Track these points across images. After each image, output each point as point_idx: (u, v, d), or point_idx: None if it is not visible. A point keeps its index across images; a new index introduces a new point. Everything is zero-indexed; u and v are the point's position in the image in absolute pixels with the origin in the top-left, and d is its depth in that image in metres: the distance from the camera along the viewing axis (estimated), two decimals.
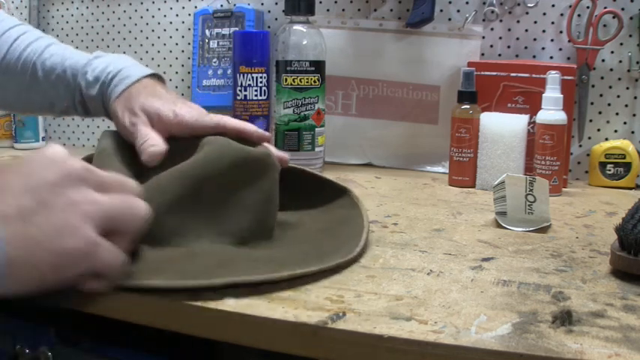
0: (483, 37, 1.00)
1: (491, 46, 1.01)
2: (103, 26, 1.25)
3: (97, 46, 1.25)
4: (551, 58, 0.98)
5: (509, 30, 1.00)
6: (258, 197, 0.57)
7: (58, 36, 1.27)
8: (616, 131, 0.95)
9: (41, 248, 0.39)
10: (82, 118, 0.76)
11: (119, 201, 0.44)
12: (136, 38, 1.23)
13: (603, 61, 0.95)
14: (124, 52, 1.23)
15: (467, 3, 1.01)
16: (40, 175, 0.41)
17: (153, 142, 0.60)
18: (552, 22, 0.97)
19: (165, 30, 1.20)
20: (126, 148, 0.64)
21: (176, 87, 1.20)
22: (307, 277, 0.49)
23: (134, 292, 0.45)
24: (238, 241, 0.56)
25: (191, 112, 0.63)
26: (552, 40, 0.97)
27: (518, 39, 0.99)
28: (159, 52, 1.21)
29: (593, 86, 0.95)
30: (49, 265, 0.40)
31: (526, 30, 0.99)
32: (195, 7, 1.16)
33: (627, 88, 0.94)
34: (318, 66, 0.94)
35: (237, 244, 0.55)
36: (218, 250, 0.53)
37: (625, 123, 0.95)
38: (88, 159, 0.63)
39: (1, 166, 0.43)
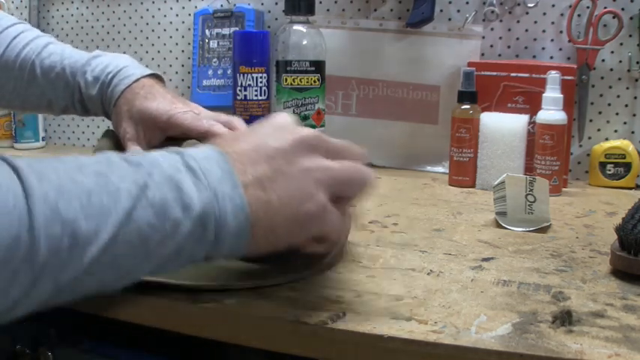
0: (483, 37, 1.00)
1: (492, 46, 1.01)
2: (103, 26, 1.25)
3: (97, 46, 1.25)
4: (551, 58, 0.98)
5: (509, 30, 1.00)
6: None
7: (58, 36, 1.27)
8: (616, 131, 0.95)
9: (279, 213, 0.41)
10: (82, 117, 0.77)
11: (348, 167, 0.45)
12: (136, 38, 1.23)
13: (603, 61, 0.95)
14: (124, 52, 1.23)
15: (467, 3, 1.01)
16: (274, 144, 0.43)
17: None
18: (552, 22, 0.97)
19: (165, 30, 1.20)
20: (122, 149, 0.64)
21: (176, 87, 1.20)
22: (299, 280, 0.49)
23: (135, 292, 0.45)
24: None
25: (185, 115, 0.64)
26: (552, 40, 0.97)
27: (518, 39, 0.99)
28: (159, 52, 1.21)
29: (593, 86, 0.95)
30: (285, 229, 0.42)
31: (526, 30, 0.99)
32: (195, 7, 1.16)
33: (627, 88, 0.94)
34: (318, 66, 0.94)
35: None
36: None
37: (625, 123, 0.95)
38: None
39: (233, 135, 0.45)
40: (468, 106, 0.89)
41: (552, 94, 0.83)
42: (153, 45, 1.22)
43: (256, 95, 0.98)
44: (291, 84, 0.94)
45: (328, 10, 1.09)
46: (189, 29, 1.17)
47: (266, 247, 0.42)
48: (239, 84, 0.98)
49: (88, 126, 1.29)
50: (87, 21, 1.26)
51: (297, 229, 0.42)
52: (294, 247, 0.45)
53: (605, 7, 0.92)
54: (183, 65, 1.20)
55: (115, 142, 0.65)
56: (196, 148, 0.42)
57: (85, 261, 0.34)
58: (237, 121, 0.67)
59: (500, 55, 1.00)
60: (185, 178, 0.38)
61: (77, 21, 1.26)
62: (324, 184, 0.43)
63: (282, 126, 0.45)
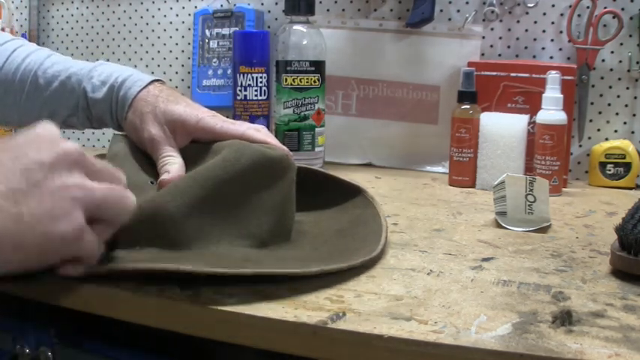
0: (483, 37, 1.00)
1: (492, 46, 1.01)
2: (103, 26, 1.25)
3: (97, 46, 1.25)
4: (551, 58, 0.98)
5: (509, 30, 1.00)
6: (278, 198, 0.57)
7: (58, 36, 1.27)
8: (616, 131, 0.95)
9: (30, 230, 0.39)
10: (82, 130, 0.75)
11: (109, 190, 0.44)
12: (136, 38, 1.23)
13: (603, 61, 0.95)
14: (124, 52, 1.23)
15: (467, 3, 1.01)
16: (34, 156, 0.41)
17: (167, 169, 0.61)
18: (552, 22, 0.97)
19: (165, 30, 1.20)
20: (140, 153, 0.63)
21: (176, 87, 1.20)
22: (310, 277, 0.49)
23: (135, 292, 0.45)
24: (258, 244, 0.55)
25: (214, 119, 0.63)
26: (552, 40, 0.97)
27: (518, 39, 0.99)
28: (159, 52, 1.21)
29: (593, 86, 0.95)
30: (35, 248, 0.40)
31: (526, 30, 0.99)
32: (195, 7, 1.16)
33: (627, 88, 0.94)
34: (318, 66, 0.94)
35: (257, 247, 0.55)
36: (241, 251, 0.53)
37: (625, 123, 0.95)
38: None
39: None
40: (468, 106, 0.89)
41: (552, 94, 0.83)
42: (153, 45, 1.22)
43: (256, 95, 0.98)
44: (291, 84, 0.94)
45: (328, 10, 1.09)
46: (189, 29, 1.18)
47: (13, 265, 0.40)
48: (239, 84, 0.98)
49: None
50: (87, 21, 1.26)
51: (49, 249, 0.41)
52: (47, 268, 0.43)
53: (605, 7, 0.92)
54: (183, 65, 1.20)
55: (129, 146, 0.64)
56: None
57: None
58: (265, 130, 0.65)
59: (500, 55, 1.01)
60: None
61: (77, 21, 1.26)
62: (82, 204, 0.42)
63: (45, 137, 0.42)
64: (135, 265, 0.46)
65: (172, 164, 0.61)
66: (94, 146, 1.29)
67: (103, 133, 1.27)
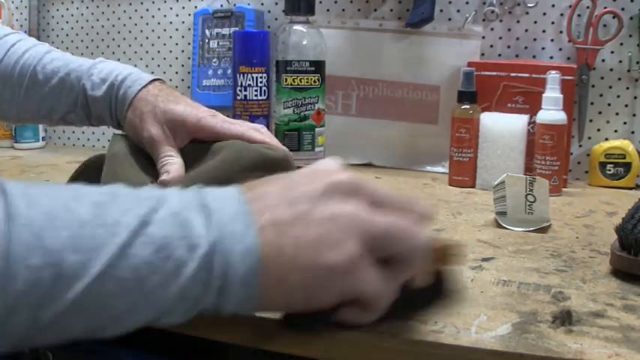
0: (483, 37, 1.00)
1: (491, 46, 1.01)
2: (103, 26, 1.25)
3: (97, 46, 1.25)
4: (551, 58, 0.98)
5: (509, 30, 1.00)
6: None
7: (58, 36, 1.27)
8: (616, 131, 0.95)
9: (293, 262, 0.35)
10: (81, 128, 0.75)
11: (392, 221, 0.38)
12: (136, 38, 1.23)
13: (603, 61, 0.95)
14: (124, 52, 1.23)
15: (467, 3, 1.01)
16: (303, 187, 0.37)
17: (167, 169, 0.61)
18: (552, 22, 0.97)
19: (165, 30, 1.20)
20: (140, 152, 0.63)
21: (176, 87, 1.20)
22: None
23: None
24: None
25: (215, 119, 0.63)
26: (552, 40, 0.97)
27: (518, 39, 0.99)
28: (159, 52, 1.21)
29: (593, 86, 0.95)
30: (300, 282, 0.35)
31: (526, 30, 0.99)
32: (195, 7, 1.16)
33: (627, 88, 0.94)
34: (318, 66, 0.94)
35: None
36: None
37: (625, 123, 0.95)
38: (98, 162, 0.63)
39: (266, 178, 0.40)
40: (468, 106, 0.89)
41: (552, 94, 0.83)
42: (153, 45, 1.22)
43: (256, 95, 0.98)
44: (291, 84, 0.94)
45: (328, 10, 1.09)
46: (189, 29, 1.18)
47: (281, 303, 0.37)
48: (239, 84, 0.98)
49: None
50: (87, 21, 1.26)
51: (315, 284, 0.36)
52: (322, 310, 0.37)
53: (605, 7, 0.92)
54: (183, 65, 1.20)
55: (128, 146, 0.64)
56: (218, 188, 0.38)
57: (68, 297, 0.31)
58: (265, 130, 0.65)
59: (500, 55, 1.00)
60: (195, 216, 0.34)
61: (77, 21, 1.26)
62: (357, 234, 0.36)
63: (320, 171, 0.39)
64: None
65: (172, 164, 0.61)
66: (93, 146, 1.29)
67: (103, 133, 1.27)
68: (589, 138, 0.96)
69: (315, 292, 0.36)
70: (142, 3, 1.21)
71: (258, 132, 0.64)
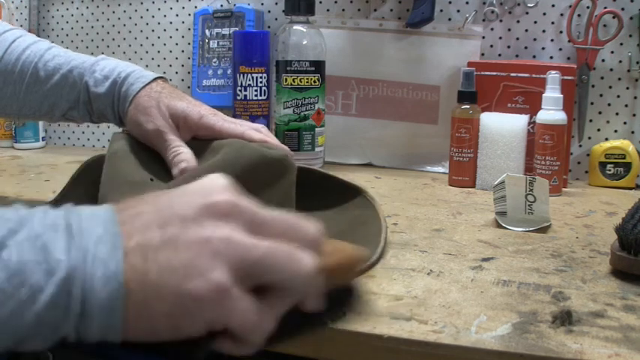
0: (483, 37, 1.00)
1: (492, 46, 1.01)
2: (103, 26, 1.25)
3: (97, 46, 1.25)
4: (551, 58, 0.98)
5: (509, 30, 1.00)
6: (277, 199, 0.56)
7: (58, 36, 1.27)
8: (616, 131, 0.95)
9: (157, 289, 0.33)
10: (79, 124, 0.75)
11: (272, 246, 0.34)
12: (136, 38, 1.23)
13: (603, 61, 0.95)
14: (124, 52, 1.23)
15: (467, 3, 1.01)
16: (177, 208, 0.35)
17: (184, 158, 0.60)
18: (552, 22, 0.97)
19: (165, 30, 1.20)
20: (141, 150, 0.63)
21: (176, 87, 1.20)
22: None
23: None
24: None
25: (216, 117, 0.63)
26: (552, 40, 0.97)
27: (518, 39, 0.99)
28: (159, 52, 1.21)
29: (593, 86, 0.95)
30: (164, 311, 0.33)
31: (526, 30, 0.99)
32: (195, 7, 1.16)
33: (627, 88, 0.94)
34: (318, 66, 0.94)
35: None
36: None
37: (625, 123, 0.95)
38: (99, 162, 0.62)
39: (144, 196, 0.37)
40: (467, 106, 0.89)
41: (552, 94, 0.83)
42: (153, 45, 1.22)
43: (256, 95, 0.98)
44: (291, 84, 0.94)
45: (328, 10, 1.09)
46: (189, 29, 1.18)
47: (147, 331, 0.34)
48: (239, 84, 0.98)
49: (88, 126, 1.28)
50: (87, 21, 1.26)
51: (180, 313, 0.33)
52: (190, 339, 0.35)
53: (605, 7, 0.92)
54: (183, 65, 1.20)
55: (129, 144, 0.64)
56: (91, 207, 0.35)
57: None
58: (265, 129, 0.65)
59: (500, 55, 1.01)
60: (57, 238, 0.32)
61: (77, 21, 1.26)
62: (228, 260, 0.33)
63: (199, 190, 0.36)
64: None
65: (185, 153, 0.61)
66: (94, 146, 1.29)
67: (103, 133, 1.27)
68: (589, 138, 0.96)
69: (181, 322, 0.34)
70: (141, 3, 1.21)
71: (258, 132, 0.64)
